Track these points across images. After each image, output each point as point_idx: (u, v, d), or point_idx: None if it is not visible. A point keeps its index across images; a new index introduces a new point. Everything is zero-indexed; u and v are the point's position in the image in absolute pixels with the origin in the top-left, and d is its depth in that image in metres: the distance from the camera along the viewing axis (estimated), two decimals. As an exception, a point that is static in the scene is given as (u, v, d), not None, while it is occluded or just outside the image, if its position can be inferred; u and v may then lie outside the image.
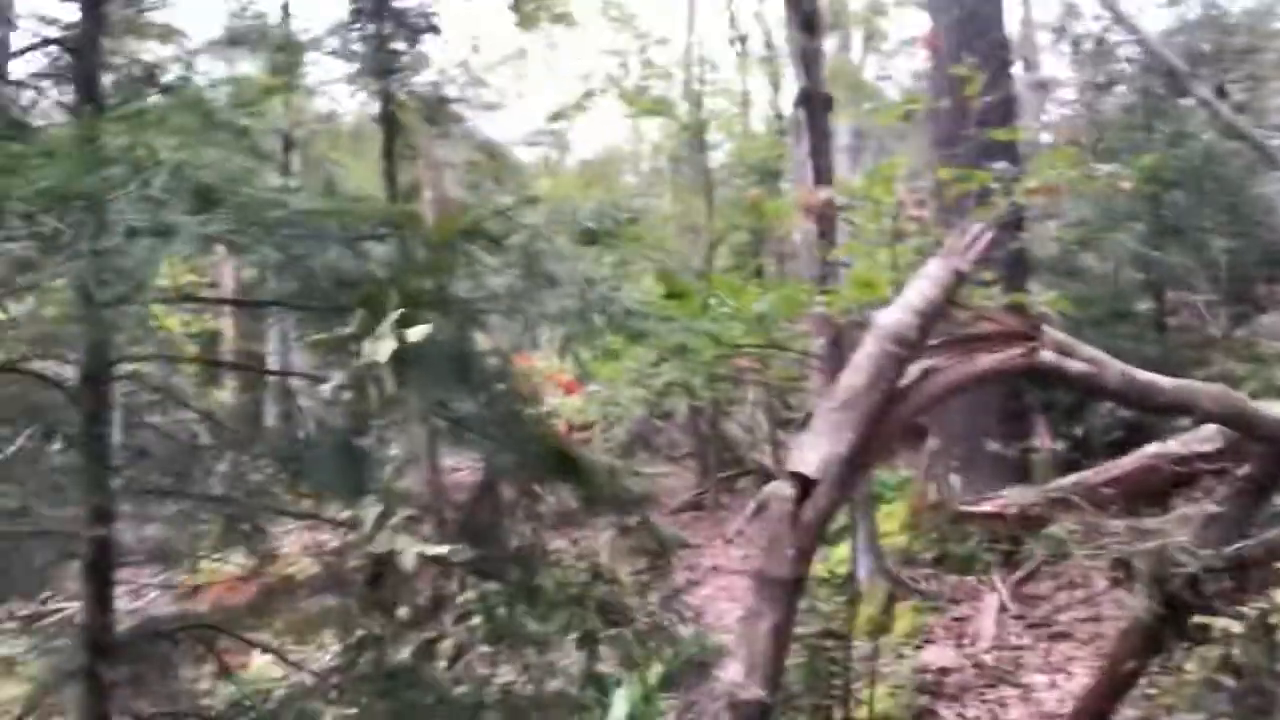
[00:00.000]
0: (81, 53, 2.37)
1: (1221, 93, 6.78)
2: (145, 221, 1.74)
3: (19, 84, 2.48)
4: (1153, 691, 3.31)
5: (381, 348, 1.99)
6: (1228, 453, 3.31)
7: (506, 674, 2.76)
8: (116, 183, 1.78)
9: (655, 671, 3.93)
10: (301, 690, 2.71)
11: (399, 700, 2.50)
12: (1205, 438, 4.13)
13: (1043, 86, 11.17)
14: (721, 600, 6.44)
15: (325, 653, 3.24)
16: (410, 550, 2.36)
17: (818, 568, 5.03)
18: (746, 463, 9.68)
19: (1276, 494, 3.08)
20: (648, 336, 3.03)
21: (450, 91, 8.40)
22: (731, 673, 1.92)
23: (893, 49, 14.19)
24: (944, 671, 4.64)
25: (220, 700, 2.67)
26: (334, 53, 7.57)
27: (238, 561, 2.87)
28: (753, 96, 11.79)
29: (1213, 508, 2.95)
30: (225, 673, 2.69)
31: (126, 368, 2.44)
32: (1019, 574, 5.38)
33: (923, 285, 2.20)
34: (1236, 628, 2.60)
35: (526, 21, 11.09)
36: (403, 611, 2.65)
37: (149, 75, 2.64)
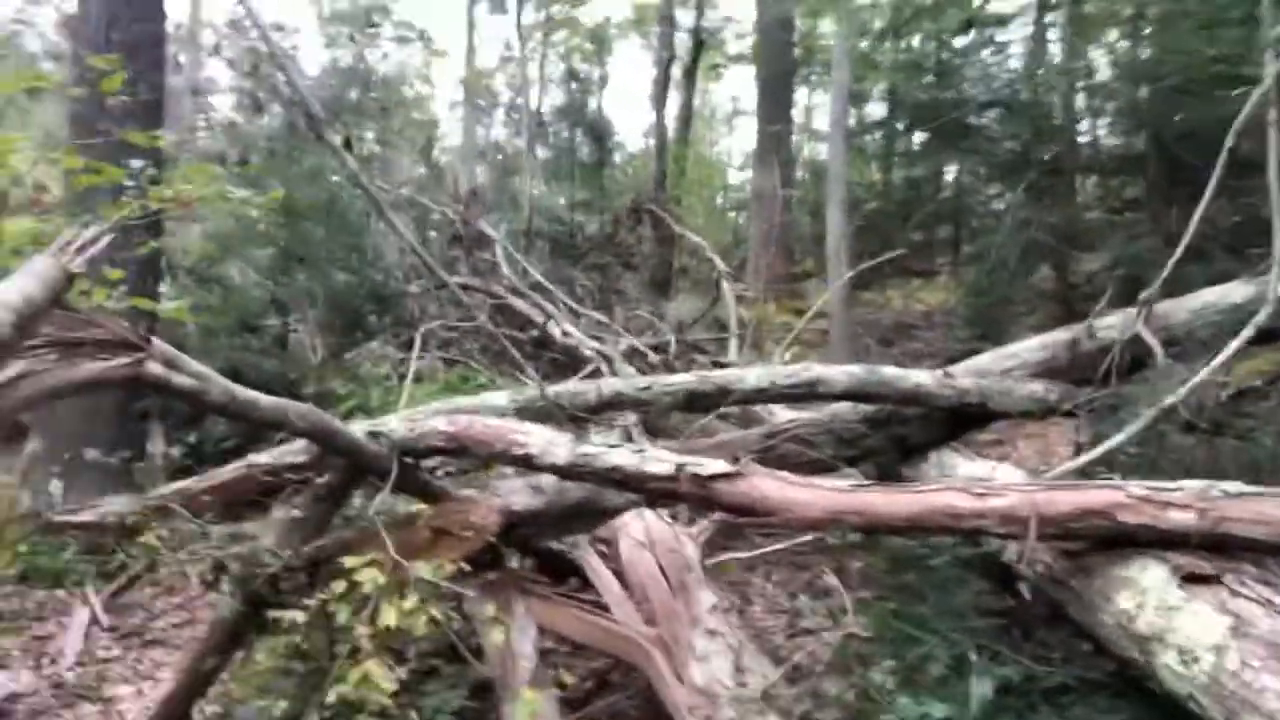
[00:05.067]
0: None
1: (349, 145, 7.74)
2: None
3: None
4: (229, 685, 3.53)
5: None
6: (313, 464, 3.77)
7: None
8: None
9: None
10: None
11: None
12: (296, 450, 4.60)
13: (196, 92, 11.16)
14: None
15: None
16: None
17: None
18: None
19: (350, 498, 3.65)
20: None
21: None
22: None
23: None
24: (15, 698, 4.22)
25: None
26: None
27: None
28: None
29: (296, 513, 3.35)
30: None
31: None
32: (115, 584, 5.19)
33: (25, 282, 2.05)
34: (303, 617, 2.99)
35: None
36: None
37: None
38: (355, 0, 14.36)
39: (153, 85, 5.88)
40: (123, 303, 3.53)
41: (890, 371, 4.46)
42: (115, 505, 5.39)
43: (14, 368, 1.99)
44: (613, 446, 3.11)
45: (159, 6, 6.37)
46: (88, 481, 5.76)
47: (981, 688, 2.46)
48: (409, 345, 9.23)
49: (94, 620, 4.92)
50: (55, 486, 5.75)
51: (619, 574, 3.88)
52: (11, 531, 5.28)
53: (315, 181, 7.96)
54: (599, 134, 16.65)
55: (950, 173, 16.01)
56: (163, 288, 7.41)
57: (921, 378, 4.40)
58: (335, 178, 8.14)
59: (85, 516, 5.37)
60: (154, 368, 2.28)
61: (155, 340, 2.32)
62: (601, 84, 19.73)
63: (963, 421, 4.53)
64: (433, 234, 12.07)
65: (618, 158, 19.24)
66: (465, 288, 9.93)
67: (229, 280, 8.41)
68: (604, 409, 5.03)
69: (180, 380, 2.39)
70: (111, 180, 3.36)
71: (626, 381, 5.48)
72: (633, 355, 8.49)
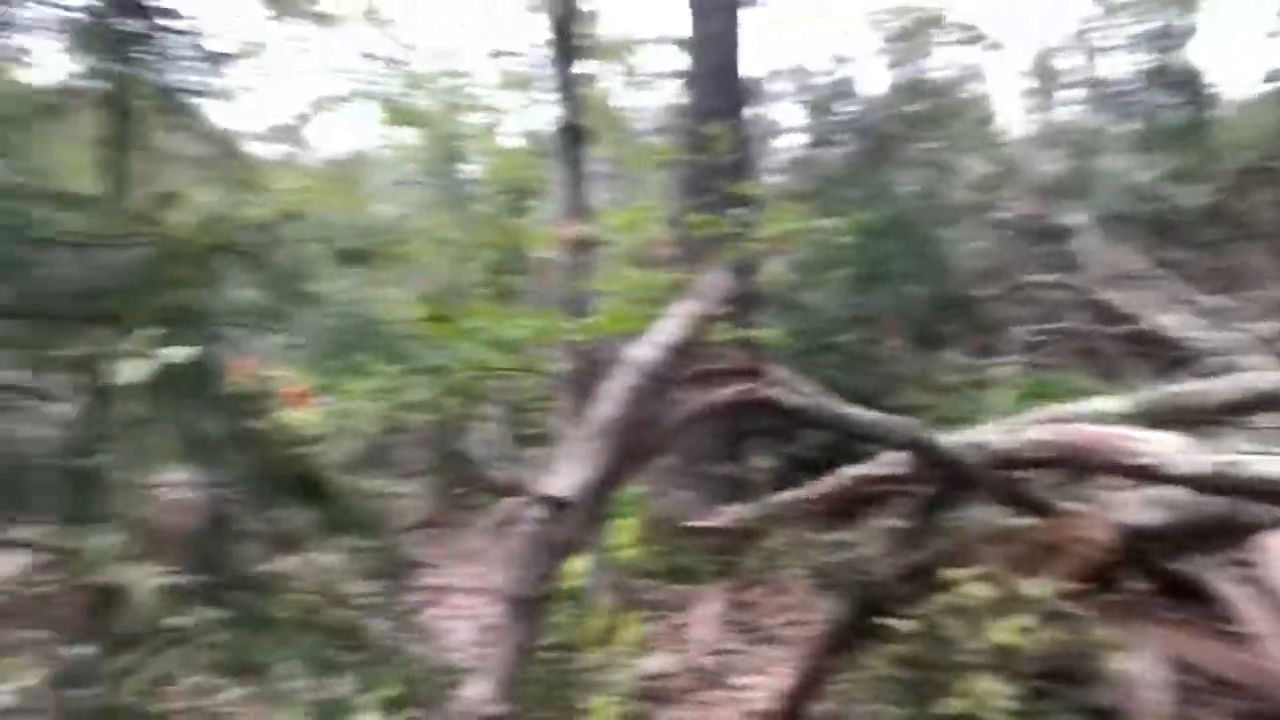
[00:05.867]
0: None
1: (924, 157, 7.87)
2: None
3: None
4: (841, 686, 3.74)
5: (136, 369, 1.93)
6: (913, 475, 3.85)
7: (227, 703, 2.66)
8: None
9: (387, 695, 3.90)
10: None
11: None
12: (895, 461, 4.72)
13: (769, 135, 12.25)
14: (456, 619, 6.39)
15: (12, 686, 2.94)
16: (144, 581, 2.24)
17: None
18: (485, 480, 9.68)
19: (948, 510, 3.66)
20: (408, 358, 3.08)
21: (186, 78, 7.81)
22: (477, 690, 2.03)
23: (646, 80, 14.91)
24: (663, 677, 4.91)
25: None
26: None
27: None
28: (508, 112, 11.96)
29: (898, 523, 3.46)
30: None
31: None
32: (736, 583, 5.83)
33: (672, 324, 2.46)
34: (910, 627, 3.07)
35: (280, 7, 10.50)
36: (117, 642, 2.50)
37: None
38: (911, 15, 14.45)
39: (740, 142, 6.65)
40: (732, 334, 4.01)
41: None
42: (737, 512, 6.10)
43: (669, 396, 2.41)
44: (1260, 454, 2.67)
45: (737, 73, 7.21)
46: (708, 491, 6.59)
47: None
48: (986, 352, 8.96)
49: (720, 615, 5.57)
50: (685, 495, 6.67)
51: (1268, 602, 3.29)
52: (655, 535, 6.25)
53: (884, 199, 8.20)
54: (1192, 91, 14.35)
55: None
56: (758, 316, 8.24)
57: None
58: (902, 192, 8.29)
59: (711, 522, 6.16)
60: (770, 390, 2.57)
61: (770, 367, 2.61)
62: (1189, 34, 16.96)
63: None
64: (1007, 233, 11.56)
65: (1220, 114, 16.34)
66: (1045, 286, 9.34)
67: (811, 304, 9.01)
68: (1238, 410, 4.30)
69: (791, 400, 2.65)
70: (721, 230, 3.86)
71: (1268, 376, 4.62)
72: (1269, 343, 7.15)
